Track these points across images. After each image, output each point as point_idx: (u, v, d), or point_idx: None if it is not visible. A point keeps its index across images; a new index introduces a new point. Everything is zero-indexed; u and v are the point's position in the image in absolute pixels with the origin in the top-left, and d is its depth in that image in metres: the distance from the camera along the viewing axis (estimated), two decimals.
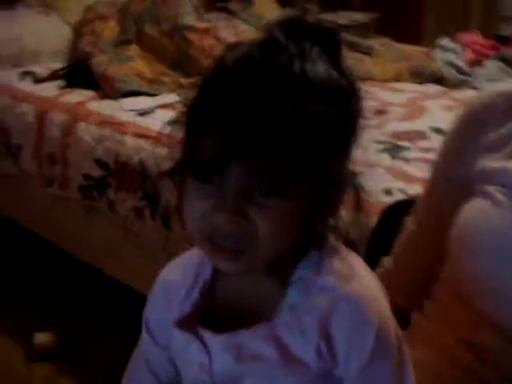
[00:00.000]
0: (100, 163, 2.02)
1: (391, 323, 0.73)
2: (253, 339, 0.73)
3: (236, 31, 2.35)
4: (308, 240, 0.74)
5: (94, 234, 2.14)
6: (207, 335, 0.75)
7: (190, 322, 0.77)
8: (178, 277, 0.80)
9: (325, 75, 0.70)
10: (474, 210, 0.92)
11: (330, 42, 0.72)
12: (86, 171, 2.06)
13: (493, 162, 0.92)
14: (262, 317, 0.73)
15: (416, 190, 1.54)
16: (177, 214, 0.74)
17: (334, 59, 0.72)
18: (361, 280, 0.73)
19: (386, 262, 1.06)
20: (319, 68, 0.70)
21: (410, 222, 1.05)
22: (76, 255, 2.21)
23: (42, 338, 2.03)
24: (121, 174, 1.97)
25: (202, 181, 0.69)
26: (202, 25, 2.37)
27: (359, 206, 0.73)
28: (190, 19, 2.37)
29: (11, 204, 2.40)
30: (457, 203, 0.94)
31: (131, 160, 1.94)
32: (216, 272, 0.78)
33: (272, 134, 0.66)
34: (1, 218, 2.43)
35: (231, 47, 0.72)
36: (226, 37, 2.30)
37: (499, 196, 0.89)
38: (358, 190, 0.73)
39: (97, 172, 2.03)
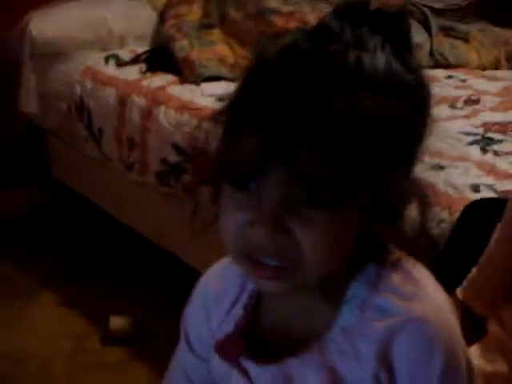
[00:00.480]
0: (178, 149, 2.00)
1: (462, 351, 0.64)
2: (302, 368, 0.65)
3: (321, 15, 2.27)
4: (366, 253, 0.64)
5: (171, 220, 2.13)
6: (251, 365, 0.68)
7: (232, 347, 0.69)
8: (220, 287, 0.73)
9: (385, 68, 0.60)
10: None
11: (395, 30, 0.62)
12: (164, 156, 2.04)
13: None
14: (312, 340, 0.65)
15: (507, 186, 1.43)
16: (215, 226, 0.66)
17: (399, 50, 0.61)
18: (426, 298, 0.64)
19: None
20: (379, 60, 0.60)
21: (503, 221, 0.96)
22: (155, 241, 2.21)
23: (117, 322, 2.03)
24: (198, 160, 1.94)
25: (238, 188, 0.62)
26: (287, 8, 2.30)
27: (425, 216, 0.63)
28: (274, 2, 2.31)
29: (95, 188, 2.43)
30: None
31: (206, 145, 1.90)
32: None
33: (317, 135, 0.57)
34: (83, 199, 2.46)
35: (277, 36, 0.63)
36: (311, 20, 2.22)
37: None
38: (424, 200, 0.63)
39: (174, 158, 2.00)
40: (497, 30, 2.65)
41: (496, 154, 1.63)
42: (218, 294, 0.73)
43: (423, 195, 0.63)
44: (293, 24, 2.27)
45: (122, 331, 2.03)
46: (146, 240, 2.24)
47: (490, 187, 1.46)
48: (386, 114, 0.59)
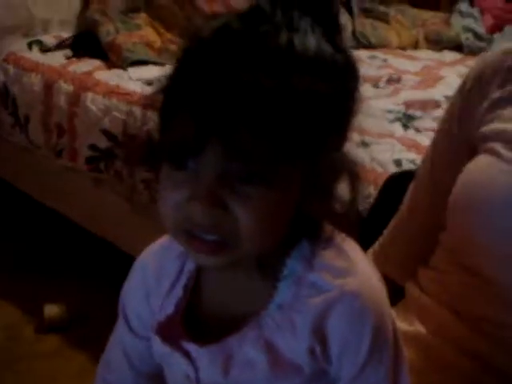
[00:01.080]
0: (107, 134, 1.99)
1: (389, 320, 0.68)
2: (241, 345, 0.67)
3: None
4: (299, 230, 0.67)
5: (103, 205, 2.12)
6: (192, 347, 0.69)
7: (172, 330, 0.71)
8: (159, 266, 0.74)
9: (315, 48, 0.62)
10: (479, 166, 0.87)
11: (324, 13, 0.64)
12: (93, 142, 2.03)
13: (496, 122, 0.88)
14: (251, 317, 0.68)
15: None
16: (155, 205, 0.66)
17: (328, 32, 0.63)
18: (358, 274, 0.67)
19: (381, 236, 1.03)
20: (309, 40, 0.62)
21: (410, 189, 1.01)
22: (86, 227, 2.20)
23: (52, 310, 2.02)
24: (129, 145, 1.94)
25: (176, 167, 0.62)
26: None
27: (356, 191, 0.65)
28: None
29: (22, 175, 2.39)
30: (459, 164, 0.90)
31: (139, 131, 1.90)
32: (200, 266, 0.71)
33: (250, 111, 0.58)
34: (12, 188, 2.42)
35: (210, 17, 0.65)
36: (235, 5, 2.24)
37: (504, 151, 0.85)
38: (354, 175, 0.65)
39: (104, 143, 2.00)
40: (415, 11, 2.73)
41: (417, 130, 1.70)
42: (157, 273, 0.74)
43: (353, 170, 0.65)
44: (217, 8, 2.29)
45: (57, 319, 2.02)
46: (78, 227, 2.22)
47: (412, 162, 1.53)
48: (316, 92, 0.60)
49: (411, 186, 1.01)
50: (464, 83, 0.95)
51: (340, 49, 0.64)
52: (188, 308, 0.72)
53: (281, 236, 0.65)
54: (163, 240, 0.75)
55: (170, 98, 0.64)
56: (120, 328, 0.79)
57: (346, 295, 0.65)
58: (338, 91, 0.63)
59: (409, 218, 1.00)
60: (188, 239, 0.64)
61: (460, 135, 0.93)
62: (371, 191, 1.39)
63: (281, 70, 0.60)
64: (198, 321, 0.71)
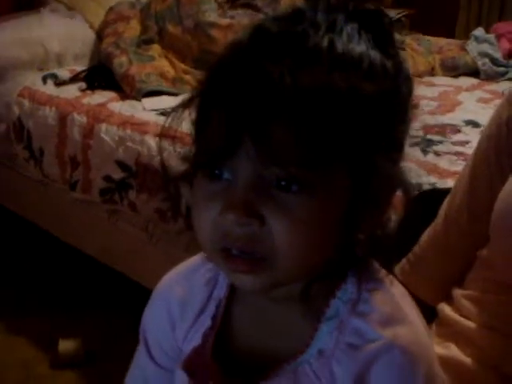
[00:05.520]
0: (121, 165, 1.97)
1: (440, 377, 0.62)
2: None
3: None
4: (345, 260, 0.60)
5: (117, 237, 2.09)
6: None
7: (199, 363, 0.65)
8: (185, 292, 0.68)
9: (361, 51, 0.56)
10: None
11: (374, 22, 0.58)
12: (108, 173, 2.01)
13: None
14: (286, 360, 0.61)
15: (449, 184, 1.46)
16: (189, 222, 0.61)
17: (379, 40, 0.58)
18: (406, 323, 0.59)
19: (412, 254, 1.00)
20: (354, 43, 0.56)
21: (445, 208, 0.98)
22: (100, 259, 2.17)
23: (67, 345, 1.99)
24: (142, 175, 1.92)
25: (211, 178, 0.57)
26: (225, 21, 2.30)
27: (405, 212, 0.59)
28: (212, 16, 2.31)
29: (36, 209, 2.37)
30: (498, 187, 0.87)
31: (152, 161, 1.88)
32: (232, 293, 0.65)
33: (285, 112, 0.53)
34: (24, 221, 2.40)
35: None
36: None
37: None
38: (408, 193, 0.58)
39: (118, 174, 1.98)
40: (430, 38, 2.72)
41: (437, 154, 1.66)
42: (183, 300, 0.68)
43: (408, 187, 0.59)
44: (231, 37, 2.28)
45: (72, 354, 1.98)
46: (92, 260, 2.19)
47: (433, 186, 1.49)
48: (359, 93, 0.55)
49: (446, 203, 0.98)
50: (497, 110, 0.93)
51: (389, 54, 0.58)
52: (216, 341, 0.65)
53: (324, 258, 0.58)
54: (188, 264, 0.70)
55: (201, 105, 0.59)
56: (141, 356, 0.73)
57: (395, 348, 0.58)
58: (387, 94, 0.57)
59: (445, 235, 0.97)
60: (225, 258, 0.57)
61: (496, 158, 0.91)
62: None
63: (319, 70, 0.54)
64: (227, 355, 0.65)
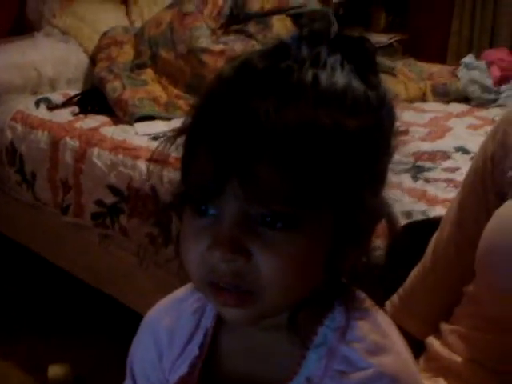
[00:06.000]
0: (113, 189, 1.97)
1: None
2: None
3: None
4: (331, 289, 0.60)
5: (108, 261, 2.09)
6: None
7: None
8: (173, 322, 0.68)
9: (344, 84, 0.57)
10: (509, 211, 0.84)
11: (356, 50, 0.59)
12: (99, 197, 2.01)
13: None
14: None
15: (439, 211, 1.46)
16: (177, 256, 0.61)
17: (361, 69, 0.58)
18: (394, 352, 0.60)
19: (402, 290, 1.00)
20: (337, 76, 0.56)
21: (433, 244, 0.98)
22: (91, 283, 2.16)
23: (56, 370, 1.97)
24: (134, 200, 1.92)
25: (198, 213, 0.57)
26: (218, 47, 2.32)
27: (390, 240, 0.59)
28: (205, 42, 2.33)
29: (27, 232, 2.37)
30: (483, 221, 0.86)
31: (144, 186, 1.89)
32: (220, 322, 0.65)
33: (270, 149, 0.53)
34: (13, 244, 2.40)
35: (234, 58, 0.60)
36: None
37: None
38: (392, 222, 0.59)
39: (110, 199, 1.98)
40: (421, 64, 2.74)
41: (427, 180, 1.67)
42: (171, 330, 0.68)
43: (392, 217, 0.59)
44: (223, 63, 2.30)
45: (61, 380, 1.97)
46: (82, 285, 2.19)
47: (423, 213, 1.50)
48: (344, 129, 0.56)
49: (434, 238, 0.98)
50: (487, 137, 0.93)
51: (372, 85, 0.58)
52: (204, 371, 0.65)
53: (309, 290, 0.59)
54: (176, 295, 0.70)
55: (188, 140, 0.60)
56: None
57: (384, 376, 0.58)
58: (371, 129, 0.57)
59: (433, 270, 0.97)
60: (213, 292, 0.58)
61: (485, 187, 0.91)
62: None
63: (304, 106, 0.55)
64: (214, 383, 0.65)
